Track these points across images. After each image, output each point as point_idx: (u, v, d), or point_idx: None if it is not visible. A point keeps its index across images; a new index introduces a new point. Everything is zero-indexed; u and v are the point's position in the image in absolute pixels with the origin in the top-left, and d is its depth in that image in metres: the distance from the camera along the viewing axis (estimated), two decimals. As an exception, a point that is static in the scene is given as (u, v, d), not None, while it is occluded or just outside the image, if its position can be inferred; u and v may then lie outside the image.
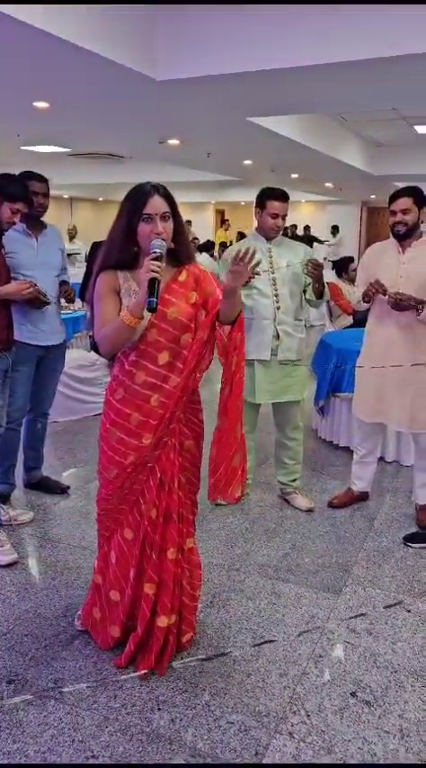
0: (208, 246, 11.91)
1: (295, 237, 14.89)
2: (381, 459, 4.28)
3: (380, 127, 9.17)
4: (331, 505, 3.67)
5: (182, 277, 2.20)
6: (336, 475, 4.19)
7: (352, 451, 4.37)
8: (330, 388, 4.68)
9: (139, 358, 2.16)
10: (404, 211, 3.11)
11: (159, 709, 2.13)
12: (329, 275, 7.78)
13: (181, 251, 2.21)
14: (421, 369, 3.19)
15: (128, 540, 2.28)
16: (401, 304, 3.06)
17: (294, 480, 3.70)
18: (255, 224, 3.53)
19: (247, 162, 9.97)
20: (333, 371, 4.63)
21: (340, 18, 4.04)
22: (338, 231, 16.74)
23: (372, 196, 16.87)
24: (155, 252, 2.01)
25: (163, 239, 2.06)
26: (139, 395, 2.17)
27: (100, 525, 2.38)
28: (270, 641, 2.48)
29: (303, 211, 19.13)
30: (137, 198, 2.08)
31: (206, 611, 2.69)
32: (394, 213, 3.15)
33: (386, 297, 3.08)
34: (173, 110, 5.88)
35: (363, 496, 3.73)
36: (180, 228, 2.16)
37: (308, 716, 2.11)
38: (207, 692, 2.21)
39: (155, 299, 1.96)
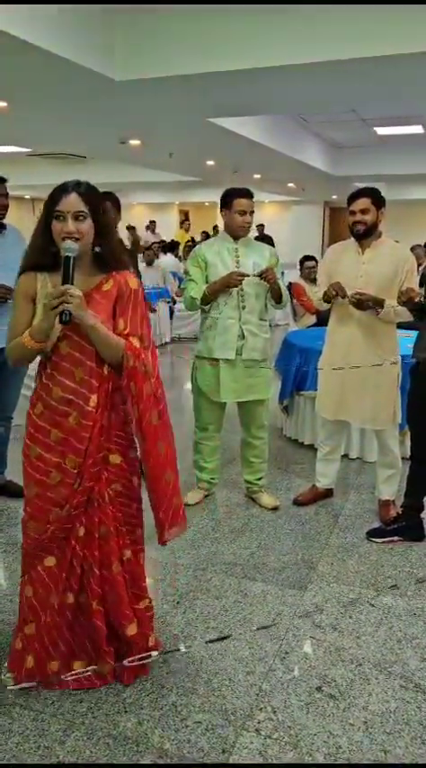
0: (172, 246, 11.90)
1: (264, 237, 14.98)
2: (345, 455, 4.34)
3: (340, 128, 9.29)
4: (296, 503, 3.70)
5: (107, 286, 2.03)
6: (301, 473, 4.23)
7: (317, 449, 4.42)
8: (294, 386, 4.72)
9: (54, 371, 2.02)
10: (363, 211, 3.16)
11: (126, 711, 2.12)
12: (293, 275, 7.86)
13: (107, 256, 2.04)
14: (387, 369, 3.26)
15: (49, 567, 2.12)
16: (363, 304, 3.10)
17: (259, 479, 3.73)
18: (221, 225, 3.54)
19: (210, 162, 9.99)
20: (297, 370, 4.67)
21: (299, 21, 4.09)
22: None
23: (334, 196, 17.05)
24: (67, 255, 1.88)
25: (75, 239, 1.91)
26: (58, 411, 2.02)
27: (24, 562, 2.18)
28: (224, 637, 2.49)
29: (267, 211, 19.23)
30: (53, 195, 1.95)
31: (172, 611, 2.69)
32: (353, 213, 3.19)
33: (347, 299, 3.14)
34: (133, 110, 5.86)
35: (328, 493, 3.77)
36: (104, 230, 2.01)
37: (274, 712, 2.13)
38: (174, 693, 2.21)
39: (68, 313, 1.85)
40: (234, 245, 3.41)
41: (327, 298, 3.24)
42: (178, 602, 2.75)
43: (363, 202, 3.16)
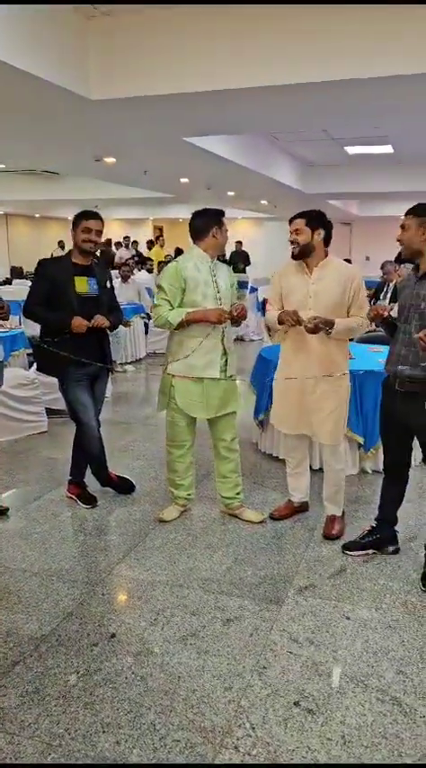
0: (143, 262, 11.96)
1: (241, 253, 15.12)
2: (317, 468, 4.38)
3: (312, 147, 9.45)
4: (272, 517, 3.72)
5: None
6: (277, 487, 4.25)
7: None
8: (269, 401, 4.75)
9: None
10: (296, 231, 3.25)
11: (104, 731, 2.11)
12: (267, 290, 7.95)
13: None
14: (337, 385, 3.34)
15: None
16: (317, 328, 3.17)
17: (238, 493, 3.75)
18: (204, 245, 3.45)
19: (184, 180, 10.08)
20: (271, 385, 4.70)
21: (272, 42, 4.18)
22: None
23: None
24: None
25: None
26: None
27: None
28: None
29: (240, 228, 19.42)
30: None
31: (150, 628, 2.68)
32: (291, 234, 3.30)
33: (303, 326, 3.19)
34: (107, 129, 5.91)
35: (303, 507, 3.80)
36: None
37: (253, 728, 2.13)
38: (152, 711, 2.20)
39: None
40: (210, 264, 3.45)
41: (281, 322, 3.29)
42: (155, 620, 2.75)
43: (296, 223, 3.27)
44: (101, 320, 3.54)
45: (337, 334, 3.22)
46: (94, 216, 3.57)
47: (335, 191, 11.75)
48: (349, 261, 11.95)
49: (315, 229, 3.25)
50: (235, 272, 15.02)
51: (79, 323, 3.47)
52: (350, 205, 15.46)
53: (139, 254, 14.33)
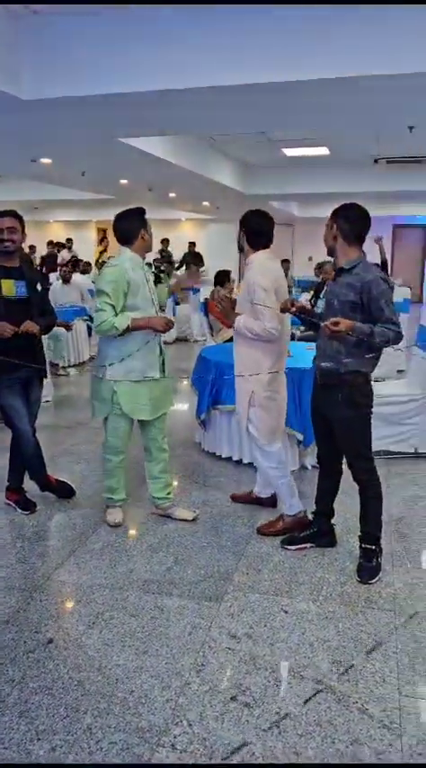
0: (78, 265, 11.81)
1: (194, 255, 15.12)
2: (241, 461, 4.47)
3: (250, 149, 9.54)
4: (233, 499, 3.99)
5: None
6: (219, 485, 4.28)
7: (235, 462, 4.49)
8: (210, 401, 4.78)
9: None
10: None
11: (38, 739, 2.08)
12: (210, 291, 7.99)
13: None
14: (240, 379, 3.46)
15: None
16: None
17: (169, 493, 3.77)
18: (135, 248, 3.44)
19: (123, 181, 10.02)
20: (212, 384, 4.74)
21: (207, 44, 4.18)
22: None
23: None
24: None
25: None
26: None
27: None
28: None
29: (184, 229, 19.44)
30: None
31: (88, 632, 2.66)
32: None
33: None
34: (41, 129, 5.82)
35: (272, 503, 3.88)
36: None
37: (190, 725, 2.14)
38: (88, 715, 2.19)
39: None
40: (143, 266, 3.46)
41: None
42: (94, 623, 2.72)
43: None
44: (29, 326, 3.44)
45: (238, 328, 3.37)
46: (4, 214, 3.49)
47: (275, 192, 11.89)
48: (287, 261, 12.16)
49: (240, 230, 3.45)
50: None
51: (2, 328, 3.38)
52: (290, 206, 15.65)
53: (75, 257, 14.14)
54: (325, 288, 3.28)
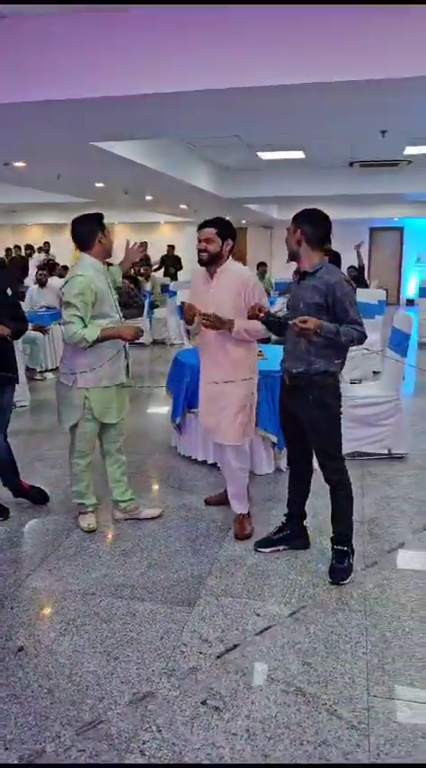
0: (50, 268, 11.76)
1: (172, 258, 15.08)
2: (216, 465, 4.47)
3: (226, 152, 9.56)
4: (207, 503, 3.98)
5: None
6: (194, 489, 4.28)
7: (209, 465, 4.49)
8: (185, 404, 4.78)
9: None
10: (207, 240, 3.32)
11: (6, 748, 2.06)
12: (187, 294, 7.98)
13: None
14: (235, 385, 3.43)
15: None
16: (212, 325, 3.28)
17: (132, 495, 3.79)
18: (94, 253, 3.44)
19: (99, 185, 9.99)
20: (187, 388, 4.74)
21: (179, 48, 4.18)
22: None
23: (227, 217, 17.47)
24: None
25: None
26: None
27: None
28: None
29: (162, 232, 19.44)
30: None
31: (59, 639, 2.64)
32: (199, 241, 3.36)
33: (199, 320, 3.33)
34: (12, 132, 5.77)
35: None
36: None
37: (159, 731, 2.14)
38: (58, 723, 2.17)
39: None
40: (105, 271, 3.48)
41: (186, 319, 3.43)
42: (65, 629, 2.71)
43: (207, 232, 3.33)
44: (1, 329, 3.46)
45: (237, 334, 3.31)
46: None
47: (252, 195, 11.93)
48: (264, 264, 12.20)
49: (225, 240, 3.35)
50: (166, 276, 14.87)
51: None
52: (269, 209, 15.72)
53: (51, 260, 14.04)
54: (289, 291, 3.30)
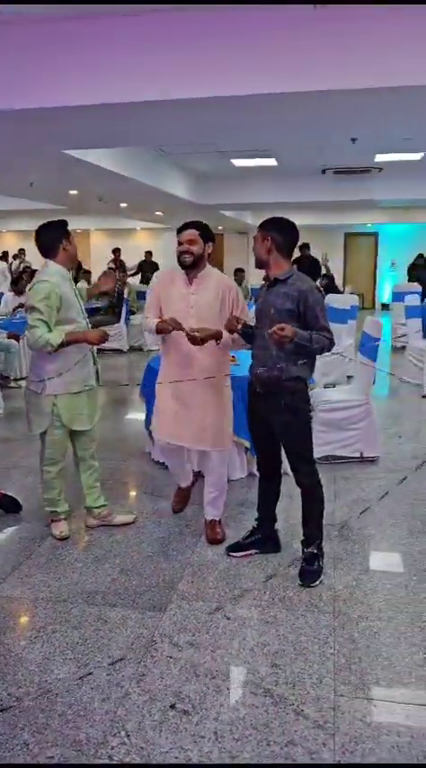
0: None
1: (150, 264, 15.06)
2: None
3: (200, 159, 9.63)
4: (174, 511, 3.92)
5: None
6: (167, 495, 4.28)
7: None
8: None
9: None
10: (190, 242, 3.27)
11: (-26, 757, 2.06)
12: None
13: None
14: (217, 390, 3.40)
15: None
16: (197, 340, 3.18)
17: (105, 501, 3.80)
18: (59, 260, 3.47)
19: (73, 192, 9.99)
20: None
21: (149, 58, 4.20)
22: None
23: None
24: None
25: None
26: None
27: None
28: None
29: (139, 238, 19.45)
30: None
31: (29, 647, 2.64)
32: (180, 244, 3.31)
33: (187, 336, 3.20)
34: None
35: (193, 483, 3.94)
36: None
37: (128, 736, 2.15)
38: (26, 731, 2.17)
39: None
40: (70, 277, 3.50)
41: (161, 331, 3.31)
42: (35, 637, 2.71)
43: (190, 233, 3.29)
44: None
45: (225, 344, 3.32)
46: None
47: (226, 201, 12.02)
48: (242, 270, 12.27)
49: (207, 241, 3.33)
50: (143, 282, 14.82)
51: None
52: (244, 215, 15.84)
53: (27, 267, 13.98)
54: (258, 298, 3.32)
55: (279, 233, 3.05)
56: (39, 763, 1.94)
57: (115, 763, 2.03)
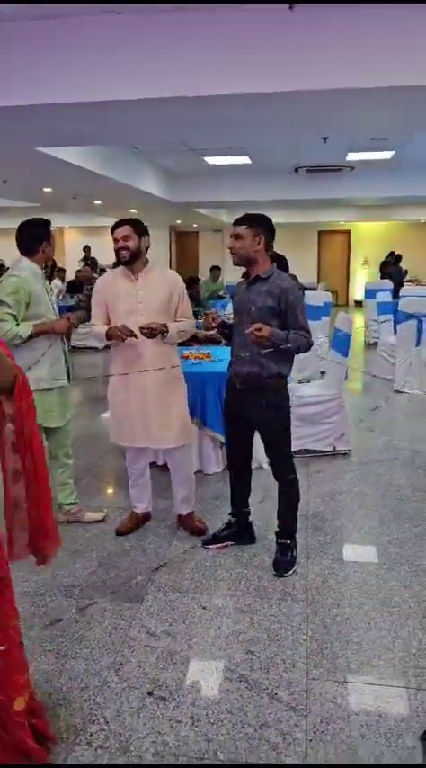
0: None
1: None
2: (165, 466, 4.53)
3: (173, 157, 9.66)
4: (118, 533, 3.67)
5: None
6: (143, 490, 4.34)
7: (159, 467, 4.55)
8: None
9: None
10: (125, 238, 3.30)
11: None
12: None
13: None
14: (172, 385, 3.43)
15: None
16: (154, 333, 3.25)
17: (76, 498, 3.85)
18: (35, 259, 3.50)
19: (47, 189, 9.95)
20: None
21: (121, 56, 4.23)
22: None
23: (178, 221, 17.58)
24: None
25: None
26: None
27: None
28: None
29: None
30: None
31: (7, 641, 2.67)
32: (116, 241, 3.33)
33: (138, 338, 3.25)
34: None
35: (147, 517, 3.80)
36: None
37: (107, 722, 2.21)
38: (6, 721, 2.21)
39: None
40: (43, 275, 3.54)
41: (111, 337, 3.31)
42: (14, 631, 2.74)
43: (123, 229, 3.32)
44: None
45: (171, 337, 3.35)
46: None
47: (200, 199, 12.07)
48: (218, 267, 12.32)
49: (141, 236, 3.34)
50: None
51: None
52: (219, 213, 15.89)
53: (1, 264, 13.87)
54: (236, 295, 3.36)
55: (268, 231, 3.09)
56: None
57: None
